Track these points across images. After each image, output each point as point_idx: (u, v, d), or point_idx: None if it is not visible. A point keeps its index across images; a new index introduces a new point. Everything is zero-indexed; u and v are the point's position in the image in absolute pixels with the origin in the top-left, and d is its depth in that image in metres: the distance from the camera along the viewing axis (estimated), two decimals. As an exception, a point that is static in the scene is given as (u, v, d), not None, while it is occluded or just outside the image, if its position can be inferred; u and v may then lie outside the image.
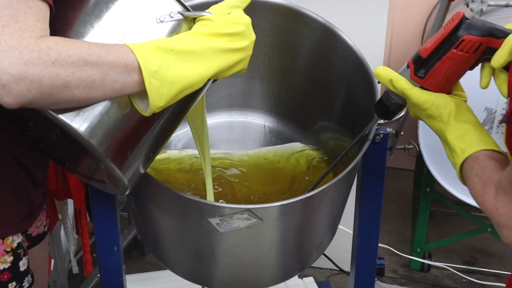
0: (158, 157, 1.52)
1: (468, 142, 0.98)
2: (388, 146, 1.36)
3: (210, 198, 1.30)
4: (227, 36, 0.96)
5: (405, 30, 3.18)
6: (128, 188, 1.01)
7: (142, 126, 0.98)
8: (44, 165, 1.25)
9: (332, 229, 1.39)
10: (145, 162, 1.04)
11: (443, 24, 1.05)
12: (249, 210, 1.08)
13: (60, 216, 1.81)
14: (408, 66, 1.07)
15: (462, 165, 0.98)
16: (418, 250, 2.54)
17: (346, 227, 1.86)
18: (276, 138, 1.59)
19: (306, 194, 1.14)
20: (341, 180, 1.17)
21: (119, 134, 0.94)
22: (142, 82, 0.88)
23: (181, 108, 1.07)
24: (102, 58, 0.85)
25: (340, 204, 1.34)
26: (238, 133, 1.60)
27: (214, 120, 1.58)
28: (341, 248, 2.02)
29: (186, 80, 0.92)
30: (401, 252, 2.60)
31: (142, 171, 1.04)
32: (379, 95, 1.18)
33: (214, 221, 1.12)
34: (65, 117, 0.87)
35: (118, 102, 0.92)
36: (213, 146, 1.51)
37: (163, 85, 0.89)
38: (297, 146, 1.56)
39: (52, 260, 1.88)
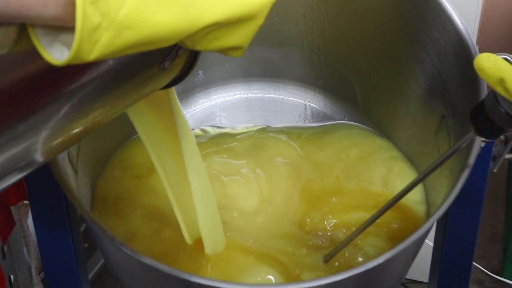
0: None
1: None
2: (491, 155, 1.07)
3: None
4: None
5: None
6: None
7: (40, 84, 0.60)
8: None
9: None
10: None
11: None
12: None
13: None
14: None
15: None
16: (514, 260, 2.14)
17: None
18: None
19: (345, 272, 0.73)
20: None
21: None
22: (67, 5, 0.54)
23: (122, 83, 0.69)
24: None
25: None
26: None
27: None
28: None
29: (148, 29, 0.57)
30: (490, 255, 2.25)
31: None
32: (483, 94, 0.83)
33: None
34: None
35: None
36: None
37: (108, 26, 0.55)
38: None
39: (12, 276, 1.61)
